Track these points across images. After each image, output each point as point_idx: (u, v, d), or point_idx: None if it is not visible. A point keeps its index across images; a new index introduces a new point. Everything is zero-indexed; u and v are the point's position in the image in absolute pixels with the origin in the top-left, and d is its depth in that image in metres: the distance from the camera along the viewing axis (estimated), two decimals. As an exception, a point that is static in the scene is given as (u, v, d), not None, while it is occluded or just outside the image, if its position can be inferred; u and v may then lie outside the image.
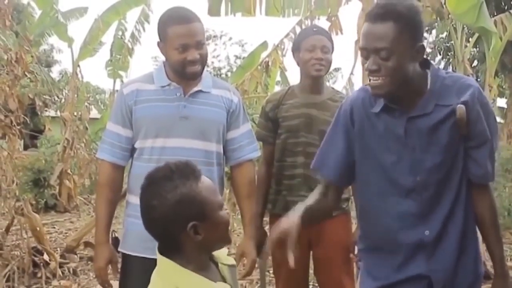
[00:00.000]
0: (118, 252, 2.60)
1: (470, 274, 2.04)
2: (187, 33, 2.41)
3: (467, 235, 2.01)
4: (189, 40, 2.41)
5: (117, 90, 11.32)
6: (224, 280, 1.64)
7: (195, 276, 1.52)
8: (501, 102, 15.85)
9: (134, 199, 2.54)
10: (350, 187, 3.09)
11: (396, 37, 1.83)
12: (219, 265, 1.66)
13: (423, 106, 1.93)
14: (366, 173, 2.08)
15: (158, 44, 2.52)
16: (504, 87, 15.96)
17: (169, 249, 1.56)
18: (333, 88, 3.18)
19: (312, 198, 2.15)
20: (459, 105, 1.89)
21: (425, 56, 1.98)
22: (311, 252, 3.03)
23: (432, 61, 2.02)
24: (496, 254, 2.03)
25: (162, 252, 1.59)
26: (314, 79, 2.96)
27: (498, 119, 13.64)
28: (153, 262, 2.41)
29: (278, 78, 10.78)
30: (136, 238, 2.51)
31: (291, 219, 1.92)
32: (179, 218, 1.50)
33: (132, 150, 2.57)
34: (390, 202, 2.02)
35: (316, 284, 3.53)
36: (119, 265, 2.62)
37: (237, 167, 2.68)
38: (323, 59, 2.92)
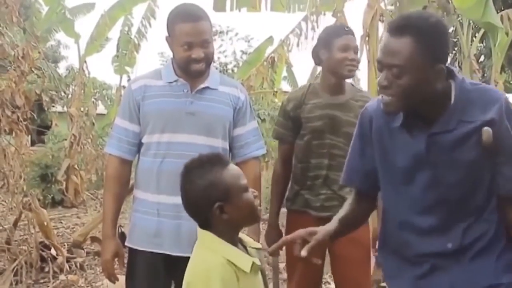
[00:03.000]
0: (125, 247, 2.62)
1: (491, 278, 1.88)
2: (193, 31, 2.42)
3: (493, 244, 1.88)
4: (195, 39, 2.42)
5: (123, 86, 11.39)
6: None
7: (236, 249, 1.75)
8: (508, 98, 15.77)
9: (141, 194, 2.57)
10: None
11: (412, 55, 1.70)
12: (248, 248, 1.84)
13: (446, 122, 1.81)
14: (386, 185, 2.00)
15: (166, 38, 2.54)
16: (511, 82, 15.92)
17: (204, 227, 1.79)
18: (352, 85, 3.12)
19: (345, 208, 2.11)
20: (485, 129, 1.77)
21: (448, 66, 1.84)
22: (327, 249, 2.97)
23: (456, 71, 1.90)
24: None
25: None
26: (341, 79, 2.92)
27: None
28: (159, 257, 2.48)
29: (285, 73, 10.76)
30: (142, 233, 2.54)
31: (324, 227, 1.92)
32: (207, 199, 1.73)
33: (140, 145, 2.59)
34: (409, 216, 1.93)
35: (326, 281, 3.53)
36: (126, 260, 2.64)
37: (243, 164, 2.67)
38: (356, 59, 2.88)
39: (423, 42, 1.70)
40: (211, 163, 1.78)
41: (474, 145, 1.80)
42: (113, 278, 2.60)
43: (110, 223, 2.57)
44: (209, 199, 1.73)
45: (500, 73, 14.36)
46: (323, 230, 1.91)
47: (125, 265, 2.63)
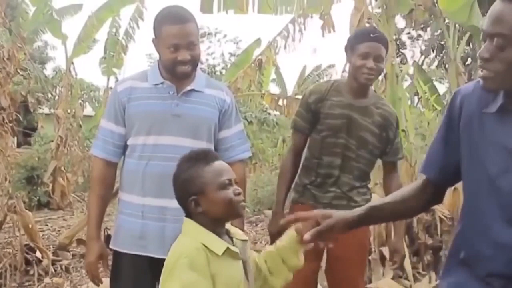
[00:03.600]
0: (111, 249, 2.61)
1: None
2: (180, 33, 2.42)
3: None
4: (181, 41, 2.42)
5: (111, 88, 11.35)
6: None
7: (212, 235, 1.82)
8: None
9: (126, 196, 2.56)
10: (370, 184, 3.10)
11: None
12: (234, 239, 1.91)
13: None
14: (469, 182, 1.72)
15: (153, 40, 2.54)
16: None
17: (188, 216, 1.89)
18: (375, 92, 3.13)
19: (395, 195, 1.92)
20: None
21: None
22: (325, 250, 2.94)
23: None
24: None
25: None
26: (362, 85, 2.91)
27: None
28: (143, 259, 2.47)
29: (273, 76, 10.78)
30: (127, 235, 2.53)
31: (343, 213, 1.81)
32: (185, 192, 1.86)
33: (125, 147, 2.58)
34: (491, 223, 1.62)
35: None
36: (110, 262, 2.62)
37: None
38: (374, 69, 2.85)
39: None
40: (196, 159, 1.89)
41: None
42: (97, 280, 2.59)
43: (94, 224, 2.56)
44: (186, 192, 1.85)
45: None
46: (338, 216, 1.80)
47: (110, 267, 2.61)
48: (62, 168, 10.33)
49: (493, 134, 1.60)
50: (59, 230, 7.88)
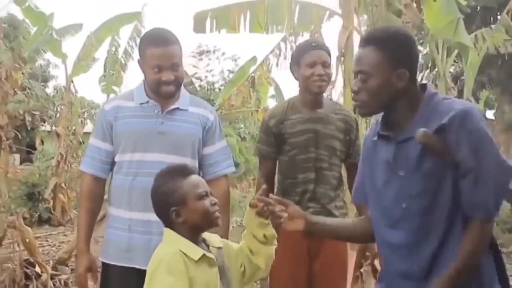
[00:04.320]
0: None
1: None
2: (163, 55, 2.54)
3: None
4: (164, 62, 2.54)
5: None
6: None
7: (189, 242, 1.96)
8: (490, 114, 16.00)
9: (114, 211, 2.67)
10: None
11: (374, 60, 1.91)
12: (210, 247, 2.04)
13: (410, 131, 1.88)
14: (370, 198, 2.09)
15: (138, 61, 2.66)
16: (494, 99, 16.12)
17: (168, 227, 2.02)
18: (330, 99, 3.20)
19: (351, 218, 2.38)
20: (418, 129, 1.83)
21: (427, 83, 2.01)
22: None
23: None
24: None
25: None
26: (316, 94, 2.98)
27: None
28: (131, 271, 2.57)
29: (273, 92, 10.87)
30: (115, 248, 2.63)
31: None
32: (165, 204, 1.99)
33: (113, 163, 2.69)
34: (382, 230, 2.00)
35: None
36: (99, 274, 2.72)
37: (212, 181, 2.72)
38: (324, 74, 2.93)
39: (384, 49, 1.91)
40: (174, 173, 2.03)
41: (431, 154, 1.84)
42: (86, 292, 2.69)
43: (83, 238, 2.66)
44: (167, 203, 1.98)
45: (482, 90, 14.60)
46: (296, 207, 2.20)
47: (99, 279, 2.70)
48: (63, 185, 10.43)
49: (380, 154, 2.01)
50: (59, 246, 7.95)
